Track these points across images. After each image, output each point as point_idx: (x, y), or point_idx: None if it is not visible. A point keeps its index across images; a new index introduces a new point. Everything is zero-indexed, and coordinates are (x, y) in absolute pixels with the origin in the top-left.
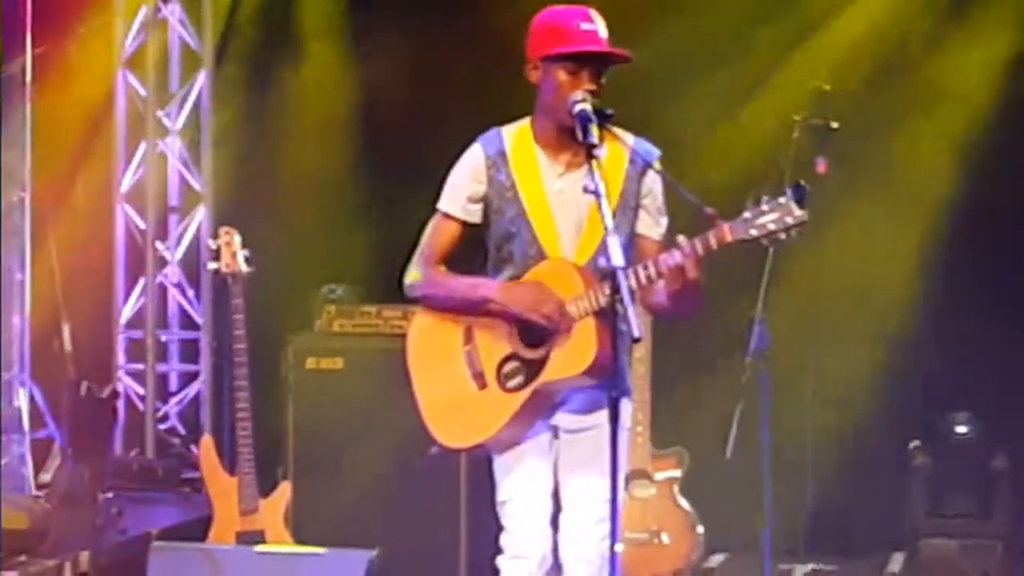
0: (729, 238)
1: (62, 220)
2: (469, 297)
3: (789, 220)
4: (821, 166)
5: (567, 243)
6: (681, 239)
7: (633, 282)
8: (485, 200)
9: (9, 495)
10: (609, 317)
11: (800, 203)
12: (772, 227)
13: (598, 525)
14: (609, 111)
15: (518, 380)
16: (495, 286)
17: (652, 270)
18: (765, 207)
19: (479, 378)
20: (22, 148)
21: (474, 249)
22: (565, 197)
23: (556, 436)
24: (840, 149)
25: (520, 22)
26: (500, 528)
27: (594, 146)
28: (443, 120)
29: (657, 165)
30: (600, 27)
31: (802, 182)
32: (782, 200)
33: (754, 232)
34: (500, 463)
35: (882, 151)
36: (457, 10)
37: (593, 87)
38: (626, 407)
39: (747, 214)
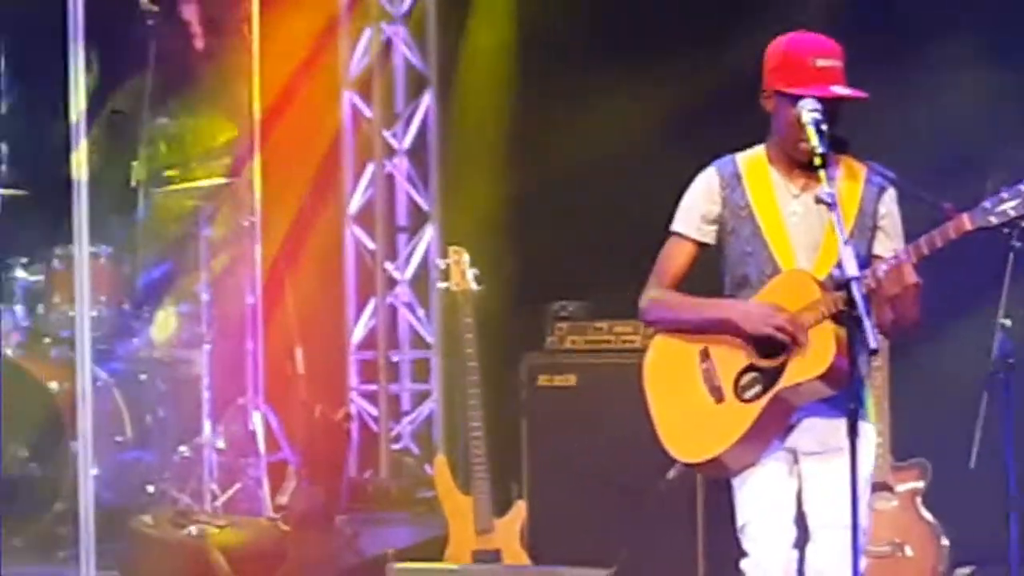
0: (969, 227)
1: (292, 243)
2: (699, 318)
3: None
4: None
5: (803, 262)
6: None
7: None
8: (720, 221)
9: (247, 518)
10: (846, 325)
11: None
12: (1013, 213)
13: (845, 552)
14: (843, 138)
15: (756, 390)
16: (725, 305)
17: (870, 278)
18: (1005, 195)
19: (716, 392)
20: (251, 173)
21: (710, 275)
22: (800, 218)
23: (796, 460)
24: None
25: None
26: (740, 553)
27: (824, 154)
28: (675, 139)
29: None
30: (837, 61)
31: None
32: (1022, 187)
33: (994, 219)
34: (739, 484)
35: None
36: (696, 39)
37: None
38: (869, 431)
39: (986, 203)
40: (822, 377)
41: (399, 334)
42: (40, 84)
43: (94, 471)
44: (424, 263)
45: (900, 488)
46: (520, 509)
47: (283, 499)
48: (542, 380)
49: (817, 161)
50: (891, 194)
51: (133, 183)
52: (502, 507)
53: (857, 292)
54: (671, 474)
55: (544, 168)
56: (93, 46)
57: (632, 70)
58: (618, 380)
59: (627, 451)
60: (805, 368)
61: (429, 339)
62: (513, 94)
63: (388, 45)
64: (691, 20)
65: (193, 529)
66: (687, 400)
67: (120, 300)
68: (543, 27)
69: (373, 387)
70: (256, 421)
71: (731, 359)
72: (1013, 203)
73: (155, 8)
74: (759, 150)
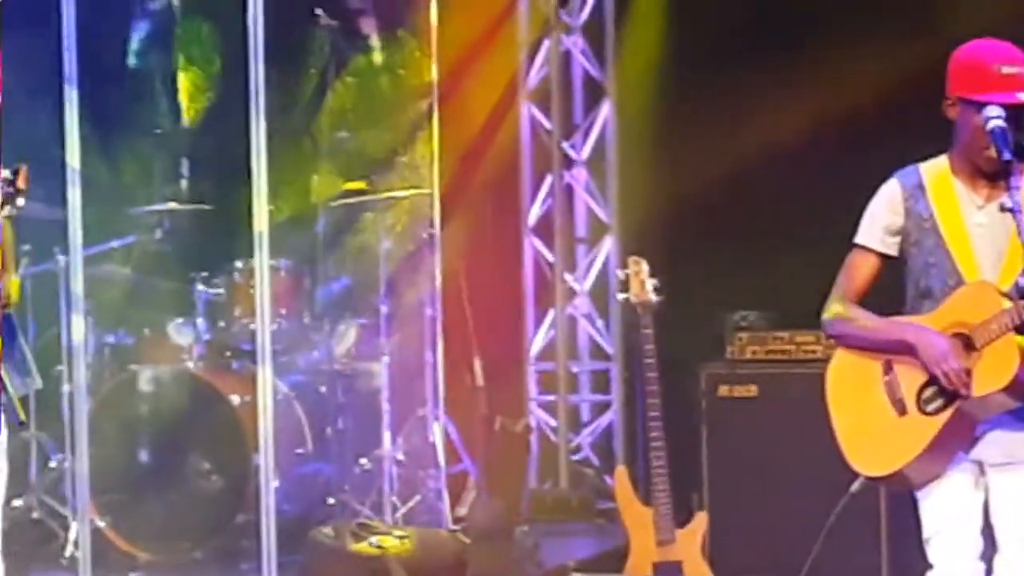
0: None
1: (471, 255)
2: (881, 339)
3: None
4: None
5: (988, 273)
6: None
7: None
8: (903, 232)
9: (427, 530)
10: None
11: None
12: None
13: None
14: None
15: (938, 403)
16: (908, 329)
17: None
18: None
19: (899, 405)
20: (430, 185)
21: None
22: (985, 229)
23: (983, 472)
24: None
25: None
26: (926, 565)
27: (1009, 162)
28: (857, 145)
29: None
30: (1023, 68)
31: None
32: None
33: None
34: (923, 496)
35: None
36: (873, 37)
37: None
38: None
39: None
40: (1006, 389)
41: (578, 345)
42: (222, 98)
43: (275, 483)
44: (603, 274)
45: None
46: (701, 520)
47: (463, 510)
48: (722, 391)
49: (1001, 169)
50: None
51: (313, 196)
52: (683, 518)
53: None
54: (854, 487)
55: (723, 177)
56: (274, 61)
57: (811, 71)
58: (800, 391)
59: (809, 463)
60: (988, 380)
61: (608, 350)
62: (688, 101)
63: (566, 56)
64: (867, 16)
65: (373, 541)
66: (869, 413)
67: (300, 313)
68: (711, 30)
69: (552, 398)
70: (436, 433)
71: (914, 372)
72: None
73: (334, 22)
74: (942, 160)
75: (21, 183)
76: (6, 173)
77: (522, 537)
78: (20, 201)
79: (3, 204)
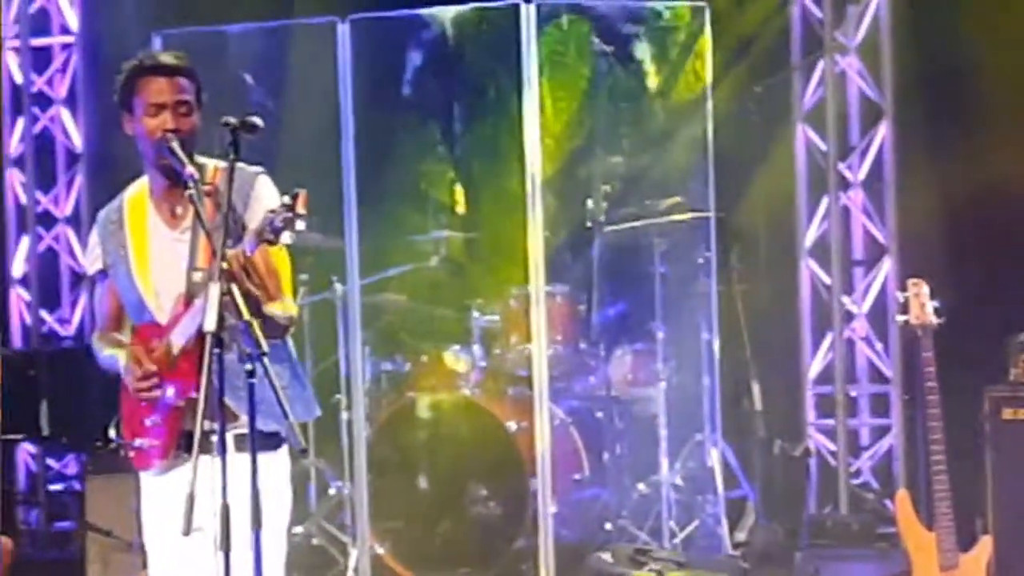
0: None
1: (748, 278)
2: None
3: None
4: None
5: None
6: None
7: None
8: None
9: (706, 556)
10: None
11: None
12: None
13: None
14: None
15: None
16: None
17: None
18: None
19: None
20: (705, 208)
21: None
22: None
23: None
24: None
25: None
26: None
27: None
28: None
29: None
30: None
31: None
32: None
33: None
34: None
35: None
36: None
37: None
38: None
39: None
40: None
41: (857, 368)
42: (496, 125)
43: (553, 509)
44: (882, 296)
45: None
46: (986, 544)
47: (742, 536)
48: (1006, 413)
49: None
50: None
51: (588, 222)
52: (967, 543)
53: None
54: None
55: (1004, 196)
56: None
57: None
58: None
59: None
60: None
61: (888, 373)
62: (968, 118)
63: (841, 77)
64: None
65: (653, 566)
66: None
67: (576, 338)
68: (991, 42)
69: (831, 422)
70: (714, 457)
71: None
72: None
73: (608, 48)
74: None
75: (300, 207)
76: (285, 198)
77: (802, 562)
78: (299, 225)
79: (283, 229)
